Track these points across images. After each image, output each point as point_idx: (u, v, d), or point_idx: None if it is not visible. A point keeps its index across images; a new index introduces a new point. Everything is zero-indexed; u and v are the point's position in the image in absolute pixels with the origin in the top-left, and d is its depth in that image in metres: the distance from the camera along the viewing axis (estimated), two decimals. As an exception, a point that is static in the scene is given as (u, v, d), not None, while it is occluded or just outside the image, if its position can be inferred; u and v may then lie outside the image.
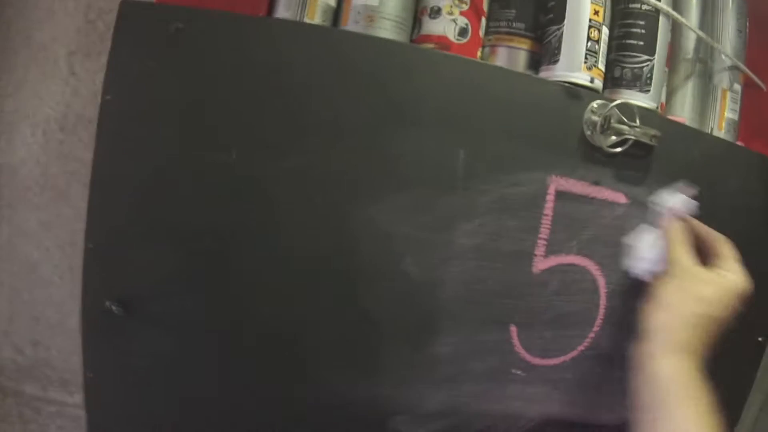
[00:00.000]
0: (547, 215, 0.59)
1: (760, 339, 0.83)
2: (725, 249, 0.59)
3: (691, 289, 0.55)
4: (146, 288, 0.55)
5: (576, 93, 0.59)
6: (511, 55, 0.63)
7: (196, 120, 0.52)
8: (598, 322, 0.63)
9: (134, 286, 0.54)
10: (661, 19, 0.65)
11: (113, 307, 0.53)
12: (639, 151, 0.62)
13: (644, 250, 0.62)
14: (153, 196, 0.54)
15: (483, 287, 0.58)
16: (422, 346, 0.58)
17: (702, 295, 0.54)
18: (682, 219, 0.62)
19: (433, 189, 0.55)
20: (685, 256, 0.57)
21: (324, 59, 0.53)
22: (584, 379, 0.65)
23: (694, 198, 0.62)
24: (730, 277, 0.56)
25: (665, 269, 0.58)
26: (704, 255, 0.59)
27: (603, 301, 0.63)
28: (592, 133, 0.59)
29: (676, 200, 0.62)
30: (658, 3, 0.64)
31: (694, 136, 0.68)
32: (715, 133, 0.75)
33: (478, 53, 0.63)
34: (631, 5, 0.66)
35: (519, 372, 0.62)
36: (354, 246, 0.54)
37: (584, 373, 0.65)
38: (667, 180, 0.65)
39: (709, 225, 0.67)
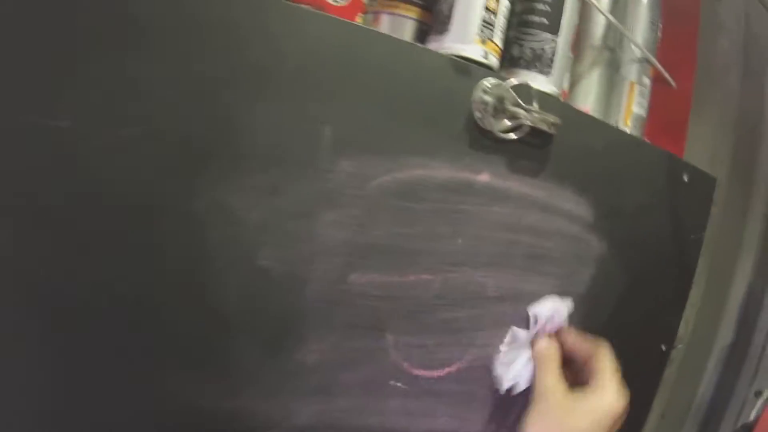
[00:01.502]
0: (427, 208, 0.51)
1: (663, 348, 0.80)
2: (600, 363, 0.55)
3: (561, 424, 0.51)
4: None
5: (465, 68, 0.52)
6: (396, 24, 0.55)
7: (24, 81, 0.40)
8: (487, 328, 0.57)
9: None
10: (569, -2, 0.59)
11: None
12: (535, 140, 0.55)
13: (514, 369, 0.58)
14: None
15: (352, 288, 0.50)
16: (286, 354, 0.49)
17: (573, 429, 0.51)
18: (554, 333, 0.59)
19: (291, 169, 0.46)
20: (552, 386, 0.54)
21: (177, 7, 0.42)
22: (472, 391, 0.58)
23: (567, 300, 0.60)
24: (605, 399, 0.52)
25: (533, 397, 0.54)
26: (580, 369, 0.57)
27: (492, 306, 0.56)
28: (482, 115, 0.52)
29: (545, 312, 0.58)
30: (566, -22, 0.58)
31: (599, 128, 0.63)
32: (620, 127, 0.70)
33: (358, 20, 0.55)
34: (536, -21, 0.59)
35: (398, 384, 0.54)
36: (202, 232, 0.44)
37: (472, 385, 0.58)
38: (566, 174, 0.59)
39: (609, 225, 0.63)
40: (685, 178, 0.73)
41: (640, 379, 0.79)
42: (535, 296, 0.59)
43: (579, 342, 0.58)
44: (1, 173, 0.38)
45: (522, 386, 0.57)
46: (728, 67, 1.00)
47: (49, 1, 0.38)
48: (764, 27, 1.12)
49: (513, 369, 0.58)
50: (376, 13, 0.55)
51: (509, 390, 0.58)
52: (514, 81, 0.53)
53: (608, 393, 0.53)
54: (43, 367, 0.41)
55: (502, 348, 0.58)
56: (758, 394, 1.27)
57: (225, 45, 0.43)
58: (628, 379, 0.75)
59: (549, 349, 0.57)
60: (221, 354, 0.47)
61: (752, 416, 1.06)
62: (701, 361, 1.15)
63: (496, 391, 0.59)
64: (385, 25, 0.55)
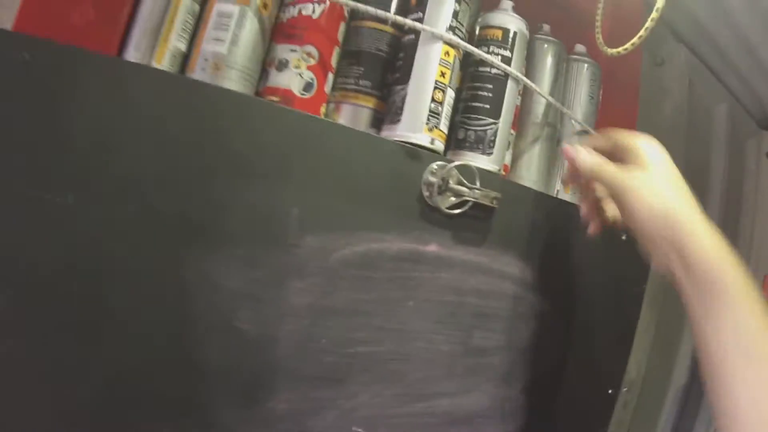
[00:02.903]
0: (381, 276, 0.58)
1: (609, 391, 0.86)
2: (627, 144, 0.57)
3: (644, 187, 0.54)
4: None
5: (415, 153, 0.60)
6: (355, 113, 0.63)
7: (35, 157, 0.48)
8: (437, 379, 0.63)
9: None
10: (509, 84, 0.68)
11: None
12: (479, 213, 0.63)
13: None
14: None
15: (317, 346, 0.57)
16: (258, 403, 0.56)
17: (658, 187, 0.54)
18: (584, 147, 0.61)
19: (264, 245, 0.54)
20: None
21: (167, 106, 0.51)
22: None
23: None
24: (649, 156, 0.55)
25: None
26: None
27: (442, 359, 0.63)
28: (430, 194, 0.60)
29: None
30: (507, 68, 0.67)
31: (538, 198, 0.71)
32: (561, 195, 0.78)
33: (322, 109, 0.63)
34: (480, 68, 0.68)
35: (360, 429, 0.61)
36: (186, 297, 0.52)
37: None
38: (508, 241, 0.66)
39: (550, 284, 0.70)
40: (624, 237, 0.81)
41: (589, 421, 0.85)
42: (480, 351, 0.66)
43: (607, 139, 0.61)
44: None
45: None
46: (672, 131, 1.08)
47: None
48: (707, 89, 1.20)
49: None
50: (338, 103, 0.63)
51: None
52: (457, 162, 0.61)
53: (641, 158, 0.54)
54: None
55: None
56: (718, 432, 1.32)
57: (212, 138, 0.52)
58: (576, 422, 0.82)
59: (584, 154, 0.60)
60: (202, 407, 0.53)
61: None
62: (657, 403, 1.20)
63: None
64: (345, 114, 0.63)
